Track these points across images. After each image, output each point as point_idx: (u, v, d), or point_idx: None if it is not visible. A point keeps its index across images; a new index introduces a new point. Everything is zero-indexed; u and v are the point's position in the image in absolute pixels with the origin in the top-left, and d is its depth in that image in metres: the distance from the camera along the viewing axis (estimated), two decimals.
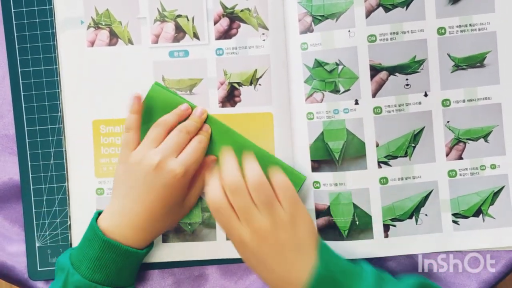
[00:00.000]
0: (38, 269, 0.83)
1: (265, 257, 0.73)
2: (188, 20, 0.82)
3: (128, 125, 0.79)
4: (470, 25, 0.80)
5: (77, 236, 0.83)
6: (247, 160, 0.76)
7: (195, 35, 0.82)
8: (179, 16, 0.82)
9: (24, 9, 0.83)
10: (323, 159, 0.81)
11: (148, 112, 0.81)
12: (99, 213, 0.78)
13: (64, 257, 0.77)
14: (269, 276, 0.74)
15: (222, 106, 0.83)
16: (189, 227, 0.83)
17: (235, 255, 0.82)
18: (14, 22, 0.83)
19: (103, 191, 0.83)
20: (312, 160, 0.82)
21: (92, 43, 0.83)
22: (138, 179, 0.76)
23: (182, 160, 0.76)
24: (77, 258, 0.76)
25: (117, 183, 0.78)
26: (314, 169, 0.82)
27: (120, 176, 0.78)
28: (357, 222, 0.81)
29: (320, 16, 0.80)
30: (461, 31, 0.80)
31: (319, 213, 0.82)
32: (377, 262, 0.82)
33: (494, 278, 0.81)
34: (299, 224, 0.74)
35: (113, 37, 0.83)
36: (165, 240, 0.83)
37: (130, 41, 0.83)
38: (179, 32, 0.82)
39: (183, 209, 0.81)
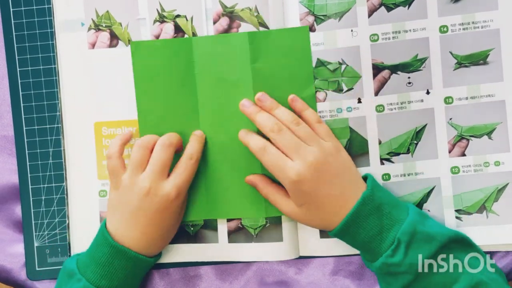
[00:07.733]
0: (37, 269, 0.83)
1: (322, 185, 0.74)
2: (187, 20, 0.82)
3: (110, 153, 0.77)
4: (473, 22, 0.79)
5: (76, 236, 0.83)
6: (274, 108, 0.78)
7: (194, 35, 0.82)
8: (178, 16, 0.82)
9: (22, 9, 0.84)
10: None
11: (146, 70, 0.81)
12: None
13: (71, 262, 0.77)
14: (321, 207, 0.75)
15: None
16: (192, 229, 0.83)
17: (236, 257, 0.82)
18: (12, 22, 0.84)
19: (106, 193, 0.83)
20: None
21: (93, 45, 0.83)
22: (131, 205, 0.75)
23: (173, 183, 0.75)
24: (84, 263, 0.76)
25: (111, 209, 0.77)
26: None
27: (113, 202, 0.77)
28: None
29: (322, 15, 0.80)
30: (464, 29, 0.80)
31: None
32: None
33: None
34: (341, 151, 0.77)
35: (114, 39, 0.83)
36: None
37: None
38: (179, 32, 0.82)
39: (178, 225, 0.80)
